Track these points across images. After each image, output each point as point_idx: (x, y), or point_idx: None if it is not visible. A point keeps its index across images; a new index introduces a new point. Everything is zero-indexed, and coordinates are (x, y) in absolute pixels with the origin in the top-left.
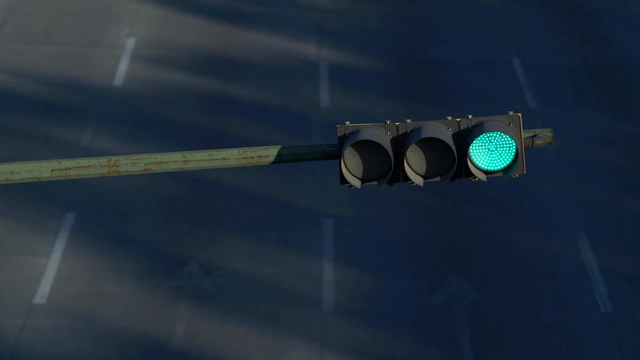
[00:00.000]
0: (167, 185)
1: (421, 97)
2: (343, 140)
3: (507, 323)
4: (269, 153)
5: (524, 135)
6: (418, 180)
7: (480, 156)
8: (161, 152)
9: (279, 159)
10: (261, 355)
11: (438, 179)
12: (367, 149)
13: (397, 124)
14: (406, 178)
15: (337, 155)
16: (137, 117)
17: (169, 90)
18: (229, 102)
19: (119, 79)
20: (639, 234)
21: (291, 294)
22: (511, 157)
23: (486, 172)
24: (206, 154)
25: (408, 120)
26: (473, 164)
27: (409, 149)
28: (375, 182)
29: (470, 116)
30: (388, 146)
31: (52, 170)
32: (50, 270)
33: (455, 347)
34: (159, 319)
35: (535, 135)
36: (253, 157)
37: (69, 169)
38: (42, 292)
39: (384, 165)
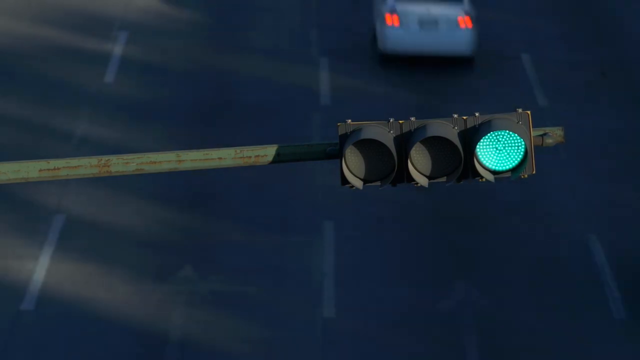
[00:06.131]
0: (160, 185)
1: (426, 94)
2: (344, 139)
3: (517, 330)
4: (267, 152)
5: (533, 133)
6: (423, 180)
7: (488, 156)
8: (154, 151)
9: (278, 159)
10: None
11: (444, 179)
12: (369, 148)
13: (400, 122)
14: (410, 178)
15: (338, 154)
16: (130, 112)
17: (162, 85)
18: (225, 99)
19: (110, 73)
20: None
21: (291, 299)
22: (520, 156)
23: (494, 173)
24: (201, 153)
25: (412, 118)
26: (480, 163)
27: (413, 148)
28: (378, 183)
29: (477, 114)
30: (391, 145)
31: (40, 170)
32: (39, 275)
33: (462, 355)
34: (152, 326)
35: (545, 134)
36: (250, 157)
37: (58, 169)
38: (30, 297)
39: (387, 165)
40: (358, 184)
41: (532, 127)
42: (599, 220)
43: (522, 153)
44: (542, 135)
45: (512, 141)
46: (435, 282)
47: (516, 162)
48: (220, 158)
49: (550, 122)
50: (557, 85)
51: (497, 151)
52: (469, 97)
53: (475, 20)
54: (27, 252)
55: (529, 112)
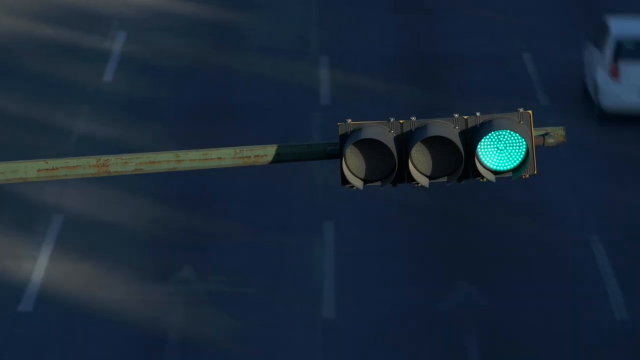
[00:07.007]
0: (160, 185)
1: (427, 93)
2: (344, 138)
3: (518, 331)
4: (267, 152)
5: (534, 133)
6: (423, 180)
7: (489, 155)
8: (153, 151)
9: (277, 159)
10: None
11: (444, 179)
12: (369, 148)
13: (401, 121)
14: (411, 178)
15: (338, 154)
16: (129, 111)
17: (161, 84)
18: (225, 99)
19: (109, 72)
20: None
21: (290, 299)
22: (521, 156)
23: (495, 173)
24: (200, 153)
25: (413, 118)
26: (481, 163)
27: (414, 148)
28: (378, 183)
29: (478, 113)
30: (392, 145)
31: (39, 170)
32: (37, 275)
33: (462, 355)
34: (152, 326)
35: (546, 134)
36: (250, 157)
37: (56, 169)
38: (28, 299)
39: (387, 165)
40: (358, 184)
41: (534, 127)
42: (599, 220)
43: (523, 153)
44: (543, 135)
45: (513, 141)
46: (435, 282)
47: (517, 162)
48: (219, 158)
49: (551, 122)
50: (559, 85)
51: (498, 151)
52: (470, 97)
53: None
54: (26, 253)
55: (530, 111)
